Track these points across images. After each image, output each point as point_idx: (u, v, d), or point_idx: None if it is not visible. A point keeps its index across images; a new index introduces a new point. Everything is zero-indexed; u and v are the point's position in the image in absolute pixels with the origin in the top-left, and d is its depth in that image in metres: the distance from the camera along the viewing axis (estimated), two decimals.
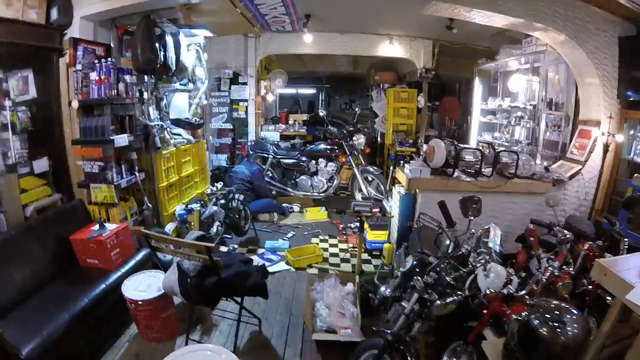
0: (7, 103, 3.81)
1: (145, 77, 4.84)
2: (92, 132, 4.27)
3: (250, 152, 7.49)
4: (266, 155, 7.36)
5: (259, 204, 6.47)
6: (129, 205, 4.80)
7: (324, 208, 6.86)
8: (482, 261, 2.84)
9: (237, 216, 5.22)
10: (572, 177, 4.94)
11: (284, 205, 6.94)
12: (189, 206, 4.47)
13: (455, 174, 4.76)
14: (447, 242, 3.21)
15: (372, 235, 5.33)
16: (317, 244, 5.67)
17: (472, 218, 3.41)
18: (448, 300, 2.75)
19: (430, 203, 4.37)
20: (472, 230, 3.56)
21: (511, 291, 2.66)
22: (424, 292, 2.79)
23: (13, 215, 3.77)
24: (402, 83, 9.54)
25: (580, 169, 4.94)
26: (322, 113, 7.52)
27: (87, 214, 4.28)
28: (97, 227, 3.87)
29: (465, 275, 2.95)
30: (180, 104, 6.03)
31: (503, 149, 5.13)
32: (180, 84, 5.94)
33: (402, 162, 7.83)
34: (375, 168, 7.03)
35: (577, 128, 5.21)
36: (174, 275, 3.12)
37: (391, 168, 8.03)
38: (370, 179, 6.91)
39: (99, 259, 3.75)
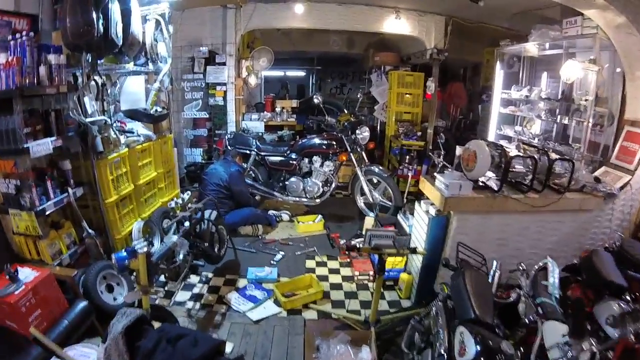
0: None
1: (83, 56, 3.58)
2: None
3: (229, 147, 6.15)
4: (248, 152, 6.08)
5: (239, 215, 5.27)
6: (65, 233, 3.66)
7: (319, 217, 5.65)
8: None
9: (206, 244, 3.99)
10: (621, 188, 3.94)
11: (270, 213, 5.74)
12: (135, 245, 3.10)
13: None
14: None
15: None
16: (314, 269, 4.50)
17: None
18: None
19: (468, 227, 3.61)
20: (522, 265, 3.02)
21: None
22: None
23: None
24: (406, 66, 8.36)
25: (630, 180, 3.96)
26: (317, 99, 6.19)
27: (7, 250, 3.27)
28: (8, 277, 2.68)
29: None
30: (134, 91, 4.75)
31: (556, 156, 3.99)
32: (136, 65, 4.69)
33: (407, 157, 6.81)
34: (381, 168, 5.74)
35: (624, 129, 4.27)
36: None
37: (397, 167, 6.91)
38: (375, 181, 5.69)
39: (16, 324, 2.62)
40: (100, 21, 3.44)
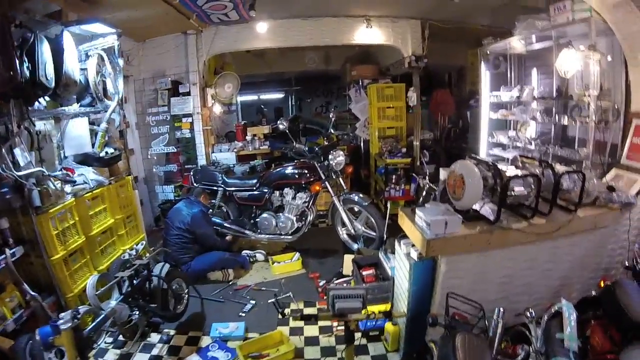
0: None
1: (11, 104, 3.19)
2: None
3: (194, 184, 5.57)
4: (214, 188, 5.51)
5: (206, 261, 4.70)
6: (9, 296, 3.23)
7: (296, 255, 5.06)
8: None
9: (154, 305, 3.42)
10: (637, 194, 3.30)
11: (244, 253, 5.16)
12: (60, 319, 2.55)
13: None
14: None
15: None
16: (287, 317, 3.90)
17: None
18: None
19: (462, 270, 2.98)
20: (530, 312, 2.51)
21: None
22: None
23: None
24: (386, 77, 7.86)
25: None
26: (282, 125, 5.36)
27: None
28: None
29: None
30: (78, 134, 4.30)
31: (562, 168, 3.40)
32: (81, 105, 4.25)
33: (393, 177, 6.27)
34: (361, 196, 5.04)
35: (632, 123, 3.69)
36: None
37: (384, 189, 6.36)
38: (357, 209, 5.12)
39: None
40: (25, 64, 3.10)
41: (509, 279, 3.13)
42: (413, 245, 3.07)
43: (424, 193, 4.34)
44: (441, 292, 2.92)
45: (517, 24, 4.81)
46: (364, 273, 3.74)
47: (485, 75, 5.80)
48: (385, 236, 4.65)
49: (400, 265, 3.26)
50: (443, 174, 3.38)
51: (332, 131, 7.61)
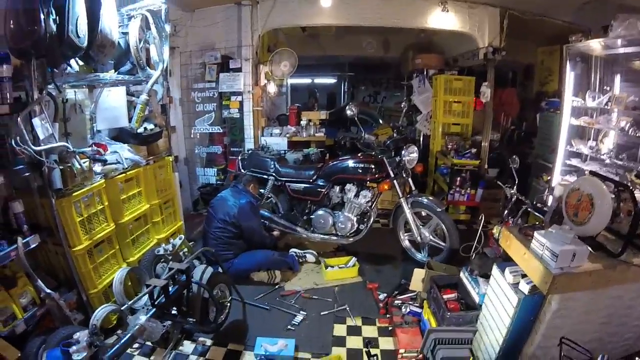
0: None
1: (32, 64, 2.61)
2: None
3: (242, 170, 5.00)
4: (265, 177, 4.93)
5: (251, 260, 4.15)
6: (21, 291, 2.77)
7: (353, 259, 4.44)
8: None
9: (193, 319, 2.89)
10: None
11: (292, 253, 4.58)
12: (73, 348, 2.02)
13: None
14: None
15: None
16: (344, 338, 3.36)
17: None
18: None
19: (570, 309, 2.37)
20: None
21: None
22: None
23: None
24: (453, 69, 7.15)
25: None
26: (351, 111, 4.62)
27: None
28: None
29: None
30: (113, 106, 3.77)
31: None
32: (119, 72, 3.73)
33: (458, 179, 5.62)
34: (432, 199, 4.41)
35: None
36: None
37: (446, 191, 5.73)
38: (424, 214, 4.47)
39: None
40: (52, 17, 2.51)
41: (609, 319, 2.55)
42: (524, 276, 2.44)
43: (510, 205, 3.71)
44: (544, 333, 2.38)
45: (615, 23, 4.13)
46: (446, 297, 3.10)
47: (569, 76, 5.09)
48: (459, 249, 4.03)
49: (498, 296, 2.62)
50: (559, 189, 2.73)
51: (381, 122, 7.01)
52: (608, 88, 4.76)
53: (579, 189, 2.44)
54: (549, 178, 5.25)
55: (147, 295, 2.62)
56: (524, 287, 2.39)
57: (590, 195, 2.34)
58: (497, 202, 5.75)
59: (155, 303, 2.62)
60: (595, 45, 4.60)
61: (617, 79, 4.70)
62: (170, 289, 2.74)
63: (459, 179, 5.73)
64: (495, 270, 2.69)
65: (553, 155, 5.26)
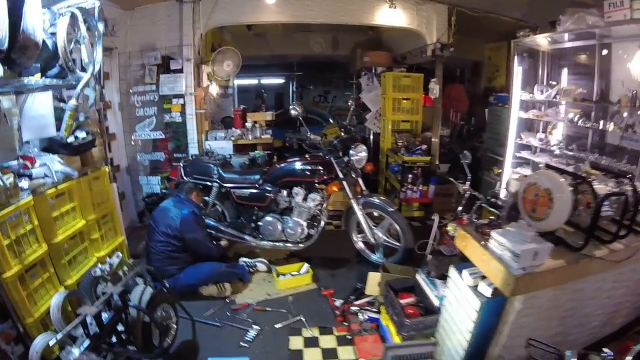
0: None
1: None
2: None
3: (184, 177, 4.71)
4: (208, 184, 4.65)
5: (197, 274, 3.89)
6: None
7: (306, 266, 4.29)
8: None
9: (133, 347, 2.63)
10: None
11: (241, 263, 4.37)
12: None
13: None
14: None
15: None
16: (301, 352, 3.19)
17: None
18: None
19: (534, 307, 2.33)
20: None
21: None
22: None
23: None
24: (401, 66, 7.18)
25: None
26: (295, 111, 4.48)
27: None
28: None
29: None
30: (40, 114, 3.37)
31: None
32: (47, 77, 3.34)
33: (410, 176, 5.59)
34: (383, 199, 4.34)
35: None
36: None
37: (398, 189, 5.68)
38: (377, 214, 4.38)
39: None
40: None
41: (572, 312, 2.57)
42: (483, 278, 2.34)
43: (464, 202, 3.67)
44: (508, 334, 2.33)
45: (563, 17, 4.24)
46: (404, 302, 2.97)
47: (517, 71, 5.23)
48: (414, 248, 3.96)
49: (457, 299, 2.53)
50: (514, 185, 2.67)
51: (331, 121, 6.92)
52: (555, 82, 4.90)
53: (535, 184, 2.39)
54: (499, 171, 5.37)
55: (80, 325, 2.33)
56: (485, 290, 2.30)
57: (548, 190, 2.28)
58: (450, 197, 5.76)
59: (90, 334, 2.33)
60: (542, 41, 4.78)
61: (565, 72, 4.87)
62: (106, 315, 2.47)
63: (410, 176, 5.73)
64: (452, 272, 2.59)
65: (503, 149, 5.36)
